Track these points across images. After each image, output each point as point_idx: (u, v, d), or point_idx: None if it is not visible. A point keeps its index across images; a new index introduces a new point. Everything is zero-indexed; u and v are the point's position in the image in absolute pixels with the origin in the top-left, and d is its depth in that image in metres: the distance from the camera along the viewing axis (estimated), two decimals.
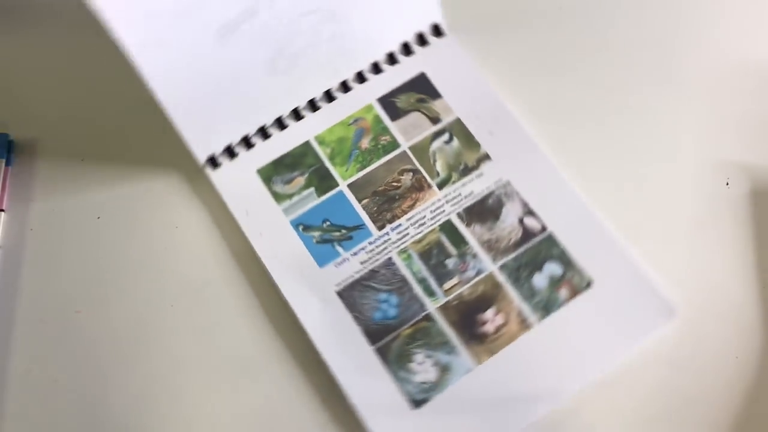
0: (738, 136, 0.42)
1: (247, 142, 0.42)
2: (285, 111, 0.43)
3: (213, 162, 0.42)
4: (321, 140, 0.42)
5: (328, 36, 0.41)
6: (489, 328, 0.38)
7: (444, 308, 0.38)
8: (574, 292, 0.38)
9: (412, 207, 0.41)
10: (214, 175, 0.42)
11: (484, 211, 0.41)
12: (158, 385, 0.38)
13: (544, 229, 0.40)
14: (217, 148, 0.42)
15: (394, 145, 0.42)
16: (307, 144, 0.42)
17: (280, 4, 0.37)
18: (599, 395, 0.37)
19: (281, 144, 0.42)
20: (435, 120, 0.43)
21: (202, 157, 0.41)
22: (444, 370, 0.37)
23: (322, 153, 0.42)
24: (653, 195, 0.41)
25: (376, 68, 0.44)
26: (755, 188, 0.41)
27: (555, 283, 0.39)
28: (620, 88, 0.44)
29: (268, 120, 0.42)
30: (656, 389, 0.37)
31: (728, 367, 0.37)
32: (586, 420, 0.37)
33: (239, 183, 0.42)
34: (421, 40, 0.44)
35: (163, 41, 0.35)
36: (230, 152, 0.42)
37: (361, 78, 0.44)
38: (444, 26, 0.44)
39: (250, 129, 0.42)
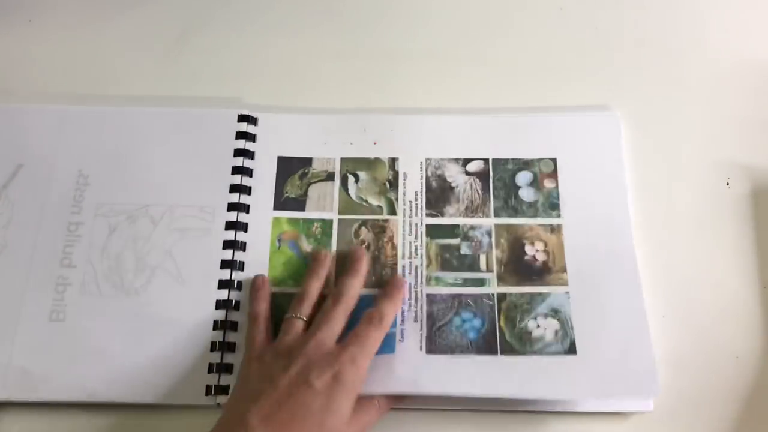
0: (738, 136, 0.42)
1: None
2: None
3: None
4: (277, 283, 0.39)
5: None
6: (538, 256, 0.39)
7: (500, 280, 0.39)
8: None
9: (394, 246, 0.40)
10: None
11: (439, 193, 0.41)
12: None
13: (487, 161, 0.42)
14: None
15: (327, 224, 0.40)
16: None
17: None
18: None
19: None
20: (330, 176, 0.42)
21: None
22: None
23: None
24: (654, 195, 0.41)
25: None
26: (755, 188, 0.41)
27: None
28: (619, 88, 0.44)
29: None
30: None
31: (729, 367, 0.37)
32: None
33: None
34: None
35: None
36: None
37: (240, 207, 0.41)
38: None
39: None
